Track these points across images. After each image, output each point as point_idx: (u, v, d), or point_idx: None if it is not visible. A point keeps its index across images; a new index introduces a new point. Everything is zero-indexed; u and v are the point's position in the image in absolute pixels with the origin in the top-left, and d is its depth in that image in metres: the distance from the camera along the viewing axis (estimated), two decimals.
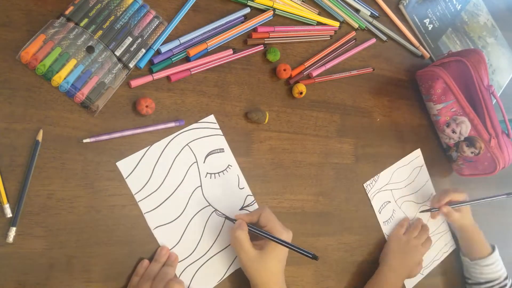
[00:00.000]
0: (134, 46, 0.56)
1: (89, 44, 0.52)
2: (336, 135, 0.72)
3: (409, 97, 0.83)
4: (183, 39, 0.59)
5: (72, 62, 0.51)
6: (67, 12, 0.52)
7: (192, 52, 0.59)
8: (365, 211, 0.74)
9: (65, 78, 0.50)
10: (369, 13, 0.79)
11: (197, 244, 0.57)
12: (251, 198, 0.62)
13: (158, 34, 0.58)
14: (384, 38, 0.81)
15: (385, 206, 0.76)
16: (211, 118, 0.61)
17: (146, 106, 0.54)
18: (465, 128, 0.77)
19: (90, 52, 0.52)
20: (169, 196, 0.56)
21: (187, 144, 0.58)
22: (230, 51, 0.63)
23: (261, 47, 0.66)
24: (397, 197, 0.78)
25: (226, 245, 0.59)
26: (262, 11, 0.67)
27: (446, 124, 0.79)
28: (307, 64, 0.70)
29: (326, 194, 0.69)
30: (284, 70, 0.65)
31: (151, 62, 0.57)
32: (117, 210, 0.53)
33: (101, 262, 0.51)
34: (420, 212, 0.78)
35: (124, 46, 0.55)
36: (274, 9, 0.67)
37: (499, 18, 0.97)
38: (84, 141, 0.51)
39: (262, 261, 0.52)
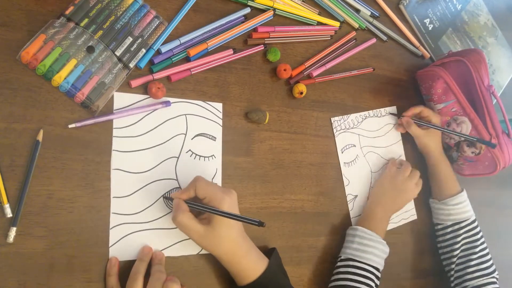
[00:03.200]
0: (135, 46, 0.56)
1: (90, 44, 0.52)
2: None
3: (409, 97, 0.83)
4: (183, 39, 0.59)
5: (73, 62, 0.51)
6: (67, 12, 0.52)
7: (193, 52, 0.59)
8: None
9: (65, 78, 0.50)
10: (369, 13, 0.79)
11: (145, 209, 0.55)
12: None
13: (159, 34, 0.58)
14: (384, 38, 0.81)
15: (349, 148, 0.73)
16: (219, 105, 0.61)
17: (158, 88, 0.55)
18: (466, 128, 0.76)
19: (91, 52, 0.52)
20: (145, 149, 0.55)
21: (185, 114, 0.58)
22: (231, 51, 0.63)
23: (261, 47, 0.66)
24: (363, 145, 0.75)
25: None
26: (262, 11, 0.67)
27: (447, 124, 0.79)
28: (307, 64, 0.70)
29: (326, 194, 0.69)
30: (285, 70, 0.65)
31: (151, 62, 0.57)
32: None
33: (101, 262, 0.51)
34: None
35: (125, 46, 0.55)
36: (274, 9, 0.67)
37: (499, 18, 0.97)
38: (70, 126, 0.51)
39: (215, 234, 0.50)
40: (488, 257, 0.73)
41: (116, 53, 0.54)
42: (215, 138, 0.61)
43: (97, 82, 0.52)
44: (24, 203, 0.47)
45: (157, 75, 0.57)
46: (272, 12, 0.67)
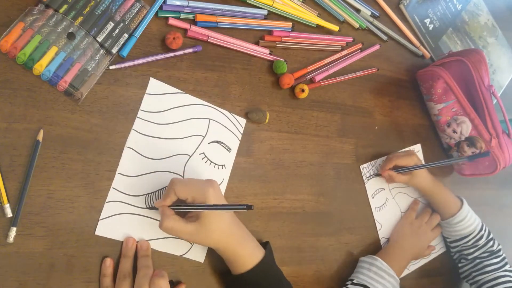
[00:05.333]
0: (116, 31, 0.55)
1: (70, 30, 0.51)
2: (336, 135, 0.72)
3: (409, 97, 0.83)
4: (193, 3, 0.60)
5: (53, 49, 0.50)
6: None
7: (201, 17, 0.60)
8: (365, 211, 0.73)
9: (46, 67, 0.49)
10: (369, 13, 0.79)
11: (144, 195, 0.55)
12: None
13: (140, 18, 0.57)
14: (385, 38, 0.81)
15: (379, 192, 0.75)
16: (243, 121, 0.63)
17: (174, 38, 0.55)
18: (466, 128, 0.76)
19: (71, 39, 0.51)
20: (163, 138, 0.56)
21: (209, 119, 0.60)
22: (267, 51, 0.65)
23: (269, 57, 0.66)
24: (392, 187, 0.77)
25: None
26: (283, 17, 0.68)
27: (447, 124, 0.79)
28: (310, 68, 0.70)
29: (326, 194, 0.69)
30: (288, 84, 0.65)
31: (160, 7, 0.58)
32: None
33: (101, 262, 0.51)
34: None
35: (106, 32, 0.54)
36: (293, 25, 0.69)
37: (499, 18, 0.97)
38: (111, 67, 0.53)
39: (206, 229, 0.49)
40: (500, 253, 0.76)
41: (97, 39, 0.53)
42: (230, 149, 0.61)
43: (80, 69, 0.51)
44: (24, 203, 0.47)
45: (194, 28, 0.59)
46: (291, 24, 0.68)
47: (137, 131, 0.55)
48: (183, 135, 0.58)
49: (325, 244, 0.68)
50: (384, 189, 0.76)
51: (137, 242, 0.53)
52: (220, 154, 0.60)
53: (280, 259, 0.63)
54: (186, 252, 0.57)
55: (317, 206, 0.68)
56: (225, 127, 0.61)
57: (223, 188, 0.60)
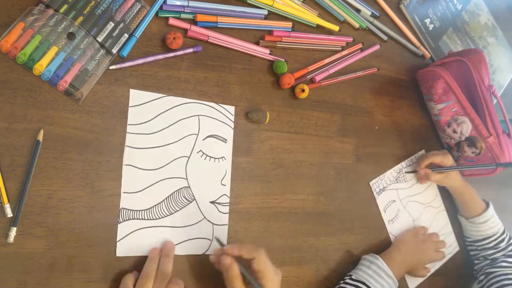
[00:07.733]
0: (116, 31, 0.55)
1: (70, 30, 0.51)
2: (336, 135, 0.72)
3: (410, 97, 0.83)
4: (193, 3, 0.60)
5: (53, 49, 0.50)
6: None
7: (201, 17, 0.60)
8: (366, 211, 0.73)
9: (46, 67, 0.50)
10: (369, 13, 0.79)
11: (154, 207, 0.55)
12: (225, 199, 0.60)
13: (141, 18, 0.57)
14: (385, 38, 0.81)
15: (390, 205, 0.76)
16: (232, 109, 0.62)
17: (174, 38, 0.55)
18: (466, 128, 0.76)
19: (71, 39, 0.51)
20: (157, 146, 0.56)
21: (198, 115, 0.59)
22: (266, 50, 0.65)
23: (270, 57, 0.66)
24: (403, 197, 0.78)
25: (182, 225, 0.57)
26: (283, 17, 0.68)
27: (447, 124, 0.79)
28: (311, 68, 0.70)
29: (327, 194, 0.69)
30: (288, 84, 0.65)
31: (160, 7, 0.58)
32: (117, 210, 0.53)
33: (101, 262, 0.51)
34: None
35: (106, 32, 0.54)
36: (293, 24, 0.69)
37: (499, 18, 0.97)
38: (111, 67, 0.53)
39: None
40: None
41: (98, 39, 0.53)
42: (226, 140, 0.61)
43: (80, 69, 0.51)
44: (24, 203, 0.47)
45: (194, 28, 0.59)
46: (291, 24, 0.68)
47: (130, 147, 0.54)
48: (176, 138, 0.58)
49: (325, 244, 0.68)
50: (395, 201, 0.77)
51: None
52: (217, 147, 0.60)
53: (280, 259, 0.63)
54: (207, 250, 0.58)
55: (317, 206, 0.68)
56: (215, 119, 0.61)
57: (227, 179, 0.61)
